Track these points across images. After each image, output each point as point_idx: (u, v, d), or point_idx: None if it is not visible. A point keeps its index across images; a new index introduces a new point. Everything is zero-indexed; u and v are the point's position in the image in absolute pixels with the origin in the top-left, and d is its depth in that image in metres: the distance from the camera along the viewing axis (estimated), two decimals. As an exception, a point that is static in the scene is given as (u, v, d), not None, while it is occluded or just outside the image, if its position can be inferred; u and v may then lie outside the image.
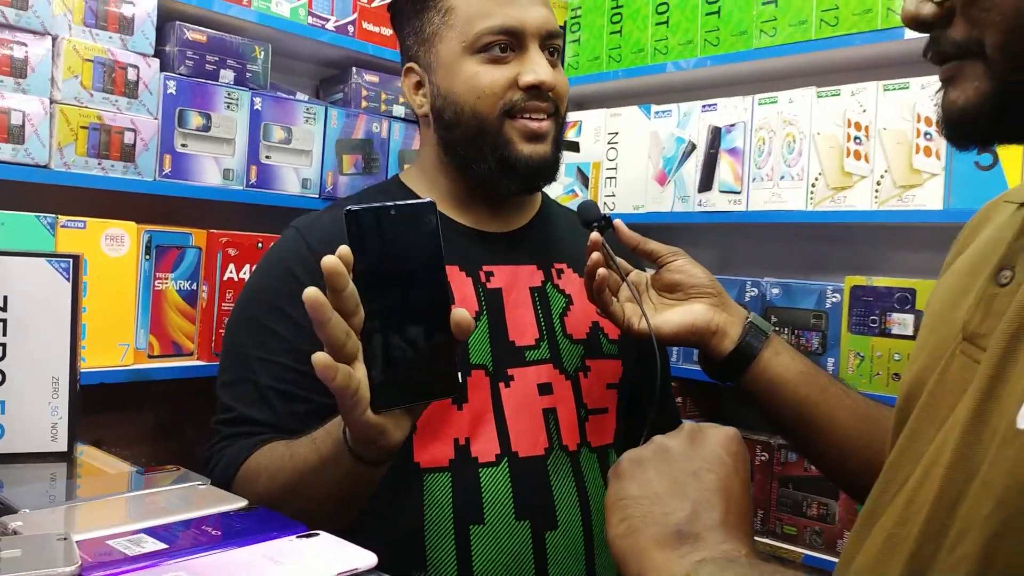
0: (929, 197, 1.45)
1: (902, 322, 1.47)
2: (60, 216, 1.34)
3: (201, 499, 0.85)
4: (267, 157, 1.59)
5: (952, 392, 0.60)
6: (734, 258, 1.85)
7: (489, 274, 1.08)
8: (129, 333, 1.45)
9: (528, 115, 1.04)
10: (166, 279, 1.49)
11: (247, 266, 1.56)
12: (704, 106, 1.75)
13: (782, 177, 1.63)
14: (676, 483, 0.62)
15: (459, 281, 1.06)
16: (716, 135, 1.72)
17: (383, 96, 1.80)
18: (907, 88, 1.48)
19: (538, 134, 1.05)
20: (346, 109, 1.72)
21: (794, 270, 1.77)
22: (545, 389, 1.08)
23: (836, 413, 0.90)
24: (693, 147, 1.76)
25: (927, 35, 0.64)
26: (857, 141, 1.54)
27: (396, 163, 1.80)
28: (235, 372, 1.06)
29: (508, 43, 1.04)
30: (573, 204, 1.15)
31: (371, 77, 1.78)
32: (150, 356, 1.48)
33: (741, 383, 0.94)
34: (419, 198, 1.10)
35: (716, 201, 1.71)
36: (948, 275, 0.74)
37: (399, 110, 1.82)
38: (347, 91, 1.76)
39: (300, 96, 1.71)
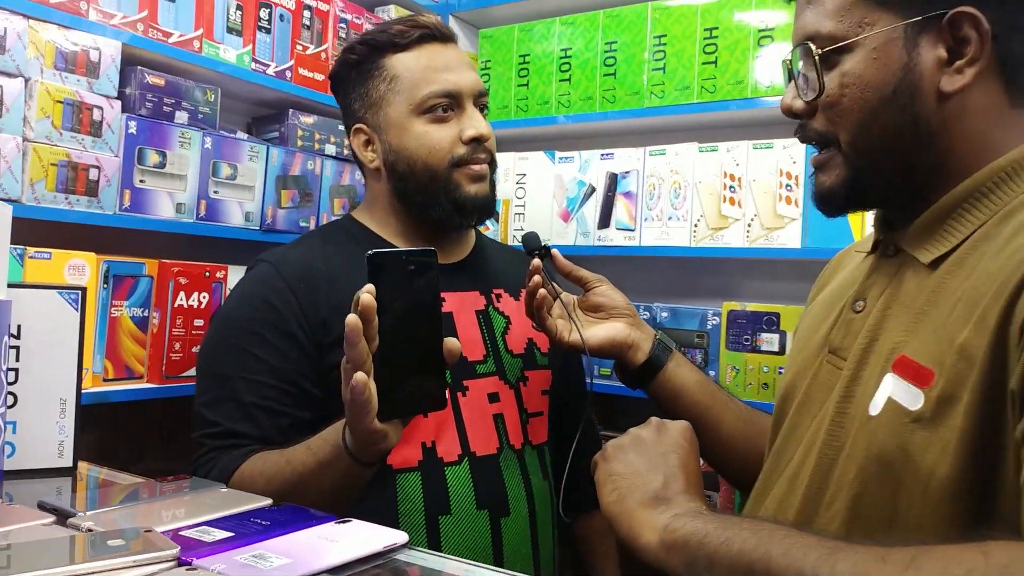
0: (789, 238, 1.77)
1: (769, 341, 1.78)
2: (28, 247, 1.41)
3: (232, 499, 0.98)
4: (215, 192, 1.71)
5: (821, 391, 0.87)
6: (629, 286, 2.09)
7: (441, 300, 1.28)
8: (88, 358, 1.53)
9: (472, 164, 1.25)
10: (121, 306, 1.58)
11: (195, 294, 1.67)
12: (602, 154, 2.01)
13: (670, 218, 1.92)
14: (650, 462, 0.84)
15: None
16: (613, 180, 1.99)
17: (316, 136, 1.95)
18: (772, 147, 1.81)
19: (480, 176, 1.25)
20: (284, 147, 1.86)
21: (680, 296, 2.06)
22: (494, 397, 1.28)
23: (724, 415, 1.13)
24: (593, 190, 2.02)
25: (785, 70, 0.89)
26: (732, 190, 1.85)
27: (327, 197, 1.95)
28: (217, 391, 1.18)
29: (449, 104, 1.24)
30: (488, 235, 1.37)
31: (306, 118, 1.93)
32: (105, 380, 1.57)
33: (650, 389, 1.17)
34: (381, 238, 1.28)
35: (613, 237, 1.98)
36: (812, 307, 1.02)
37: (331, 149, 1.98)
38: (283, 130, 1.90)
39: (241, 135, 1.84)
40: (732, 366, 1.81)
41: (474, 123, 1.24)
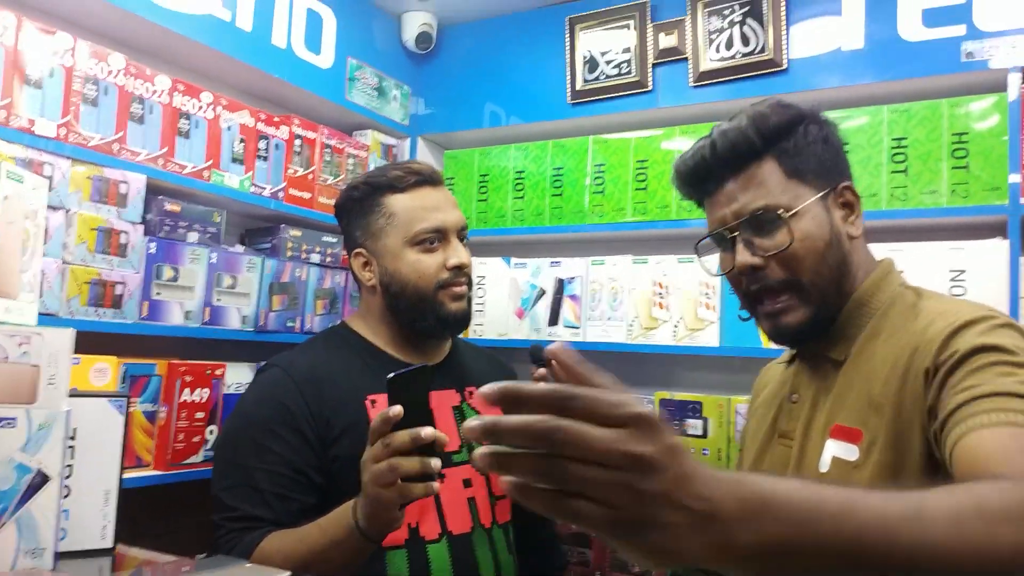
0: (709, 337, 2.10)
1: (694, 426, 2.09)
2: (63, 354, 1.65)
3: (258, 571, 1.21)
4: (218, 300, 1.97)
5: (778, 466, 1.14)
6: (575, 376, 2.43)
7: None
8: (107, 447, 1.75)
9: (454, 286, 1.51)
10: (135, 403, 1.81)
11: (198, 390, 1.91)
12: (551, 262, 2.33)
13: (609, 318, 2.23)
14: None
15: None
16: (561, 284, 2.31)
17: (303, 246, 2.23)
18: (693, 261, 2.14)
19: (460, 296, 1.51)
20: (276, 258, 2.13)
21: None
22: (467, 483, 1.51)
23: None
24: (543, 292, 2.33)
25: (718, 238, 1.10)
26: (660, 296, 2.18)
27: (311, 299, 2.23)
28: (236, 479, 1.38)
29: (437, 237, 1.52)
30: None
31: (295, 231, 2.21)
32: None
33: None
34: (374, 346, 1.54)
35: (561, 333, 2.28)
36: (755, 410, 1.29)
37: (315, 257, 2.26)
38: (275, 242, 2.18)
39: (237, 247, 2.11)
40: (664, 447, 2.10)
41: (457, 254, 1.50)
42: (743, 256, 1.06)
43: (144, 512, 2.03)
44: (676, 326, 2.15)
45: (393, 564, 1.39)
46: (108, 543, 1.24)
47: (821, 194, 1.06)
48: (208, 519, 1.45)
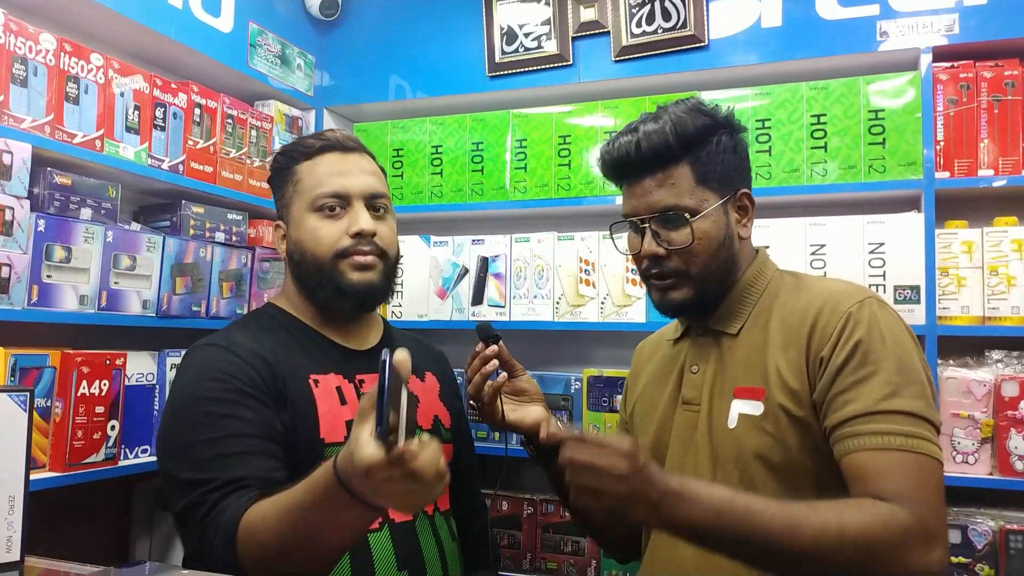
0: (636, 313, 2.09)
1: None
2: (-60, 346, 1.45)
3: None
4: (116, 283, 1.79)
5: (687, 430, 1.27)
6: (499, 356, 2.38)
7: (362, 381, 1.41)
8: (-6, 450, 1.55)
9: (355, 255, 1.39)
10: (25, 397, 1.62)
11: (97, 382, 1.73)
12: (473, 240, 2.26)
13: (535, 296, 2.19)
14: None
15: (344, 386, 1.37)
16: (484, 263, 2.24)
17: (207, 224, 2.06)
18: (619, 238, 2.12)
19: (364, 266, 1.39)
20: (178, 237, 1.96)
21: (546, 365, 2.32)
22: None
23: None
24: (466, 271, 2.26)
25: (631, 223, 1.26)
26: (587, 273, 2.15)
27: (216, 281, 2.06)
28: (203, 455, 1.19)
29: (338, 203, 1.41)
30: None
31: (197, 208, 2.04)
32: (8, 470, 1.59)
33: (553, 464, 1.39)
34: (302, 322, 1.41)
35: (486, 312, 2.22)
36: (642, 386, 1.40)
37: (220, 236, 2.10)
38: (175, 220, 2.00)
39: (135, 226, 1.92)
40: (593, 424, 2.09)
41: (358, 219, 1.39)
42: (649, 245, 1.23)
43: (39, 518, 1.84)
44: (603, 303, 2.13)
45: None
46: (15, 555, 1.12)
47: (723, 200, 1.23)
48: (114, 523, 1.29)
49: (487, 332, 1.42)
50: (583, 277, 2.15)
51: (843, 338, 1.13)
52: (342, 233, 1.39)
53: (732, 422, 1.19)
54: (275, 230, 1.48)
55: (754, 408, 1.18)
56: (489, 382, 1.40)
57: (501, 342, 1.42)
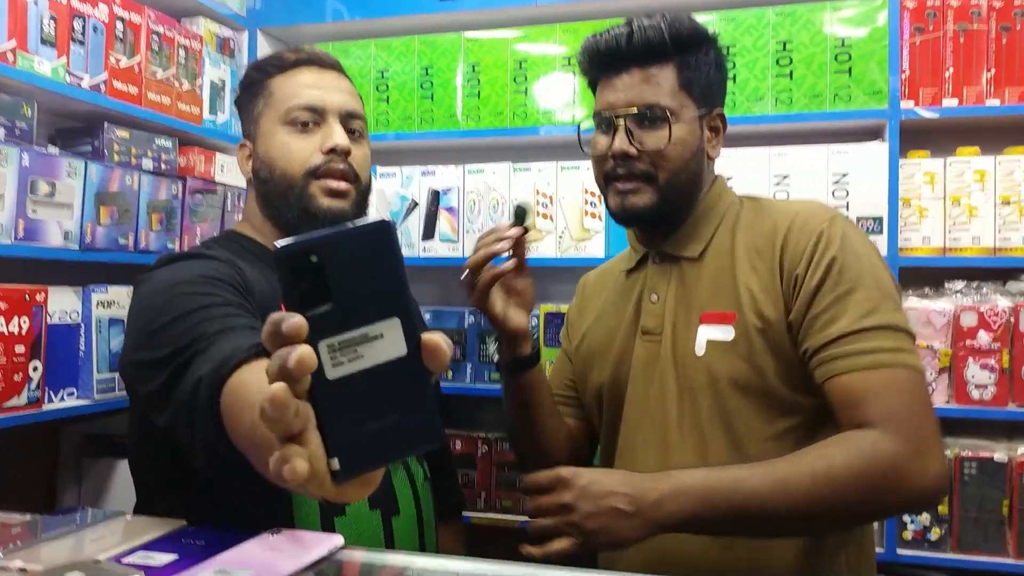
0: (595, 247, 2.02)
1: (583, 339, 2.02)
2: None
3: (147, 525, 0.99)
4: (33, 211, 1.62)
5: (648, 361, 1.22)
6: (453, 294, 2.28)
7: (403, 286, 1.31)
8: (-100, 395, 1.39)
9: (329, 176, 1.28)
10: (-67, 337, 1.46)
11: (15, 318, 1.57)
12: (423, 171, 2.14)
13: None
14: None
15: None
16: (436, 196, 2.13)
17: (133, 151, 1.89)
18: (578, 168, 2.04)
19: (337, 192, 1.28)
20: (102, 163, 1.79)
21: (501, 302, 2.24)
22: None
23: (553, 408, 1.37)
24: (415, 204, 2.14)
25: (603, 120, 1.19)
26: (544, 206, 2.06)
27: (146, 213, 1.90)
28: (183, 326, 0.97)
29: (312, 118, 1.30)
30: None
31: (122, 132, 1.86)
32: (-83, 417, 1.44)
33: (520, 376, 1.32)
34: (267, 249, 1.30)
35: (438, 248, 2.12)
36: (594, 318, 1.34)
37: (148, 164, 1.93)
38: (97, 144, 1.82)
39: (53, 150, 1.74)
40: (550, 361, 2.02)
41: (333, 134, 1.28)
42: (621, 143, 1.16)
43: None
44: (561, 237, 2.05)
45: (301, 497, 1.21)
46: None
47: (700, 112, 1.19)
48: (38, 471, 1.15)
49: (522, 215, 1.27)
50: (540, 210, 2.06)
51: (816, 256, 1.09)
52: (315, 149, 1.27)
53: (700, 349, 1.15)
54: (240, 149, 1.35)
55: (724, 333, 1.14)
56: (492, 266, 1.26)
57: (529, 234, 1.28)
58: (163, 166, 1.97)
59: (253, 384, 0.74)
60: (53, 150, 1.75)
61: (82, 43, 1.76)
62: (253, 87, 1.33)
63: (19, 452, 1.79)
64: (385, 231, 0.53)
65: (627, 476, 1.04)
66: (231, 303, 1.04)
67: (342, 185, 1.28)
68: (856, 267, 1.08)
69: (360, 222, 0.52)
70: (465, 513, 2.08)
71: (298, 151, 1.27)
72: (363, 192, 1.34)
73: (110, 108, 1.83)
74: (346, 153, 1.28)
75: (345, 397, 0.52)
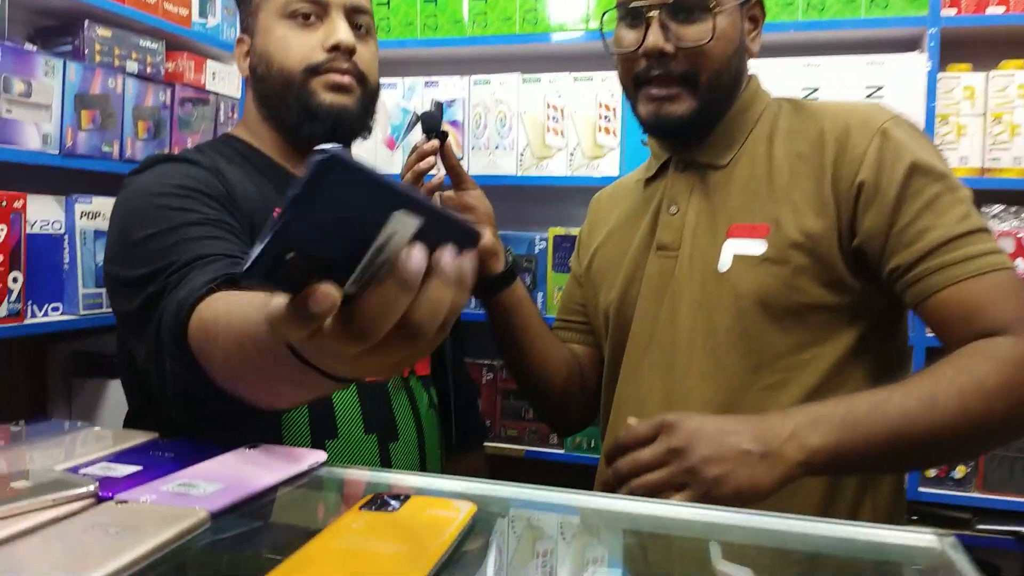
0: (609, 166, 1.90)
1: (593, 261, 1.92)
2: None
3: (119, 437, 0.92)
4: (8, 111, 1.51)
5: (661, 279, 1.09)
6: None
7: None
8: None
9: (330, 72, 1.17)
10: (-100, 241, 1.37)
11: (-9, 226, 1.48)
12: (426, 82, 2.02)
13: (496, 147, 1.97)
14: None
15: None
16: (439, 108, 2.00)
17: (116, 51, 1.77)
18: (592, 80, 1.91)
19: (340, 86, 1.16)
20: (83, 63, 1.67)
21: (508, 223, 2.12)
22: None
23: (543, 329, 1.23)
24: (418, 118, 2.02)
25: (632, 12, 1.03)
26: (555, 120, 1.94)
27: (131, 119, 1.79)
28: (158, 246, 0.95)
29: (313, 11, 1.18)
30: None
31: (103, 31, 1.74)
32: None
33: (500, 296, 1.21)
34: (265, 155, 1.18)
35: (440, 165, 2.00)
36: (608, 234, 1.21)
37: (132, 66, 1.81)
38: (77, 43, 1.71)
39: (29, 47, 1.62)
40: (558, 287, 1.93)
41: (336, 31, 1.17)
42: (656, 38, 1.01)
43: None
44: (572, 154, 1.93)
45: (289, 414, 1.13)
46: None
47: (739, 2, 1.04)
48: (25, 389, 1.08)
49: (432, 122, 1.19)
50: (551, 125, 1.94)
51: (888, 160, 0.96)
52: (316, 45, 1.16)
53: (724, 265, 1.02)
54: (238, 45, 1.24)
55: (755, 247, 1.01)
56: (425, 183, 1.20)
57: (450, 139, 1.20)
58: (149, 70, 1.85)
59: (220, 314, 0.71)
60: (30, 47, 1.63)
61: (57, -70, 1.63)
62: None
63: (4, 369, 1.71)
64: (331, 164, 0.42)
65: (742, 416, 0.89)
66: (208, 220, 0.99)
67: (345, 79, 1.17)
68: (937, 169, 0.96)
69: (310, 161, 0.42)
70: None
71: (298, 47, 1.16)
72: (370, 94, 1.23)
73: (90, 4, 1.70)
74: (351, 51, 1.17)
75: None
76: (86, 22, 1.70)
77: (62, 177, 1.71)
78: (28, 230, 1.56)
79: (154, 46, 1.86)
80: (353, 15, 1.21)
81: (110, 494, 0.67)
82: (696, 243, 1.06)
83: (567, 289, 1.32)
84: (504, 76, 1.97)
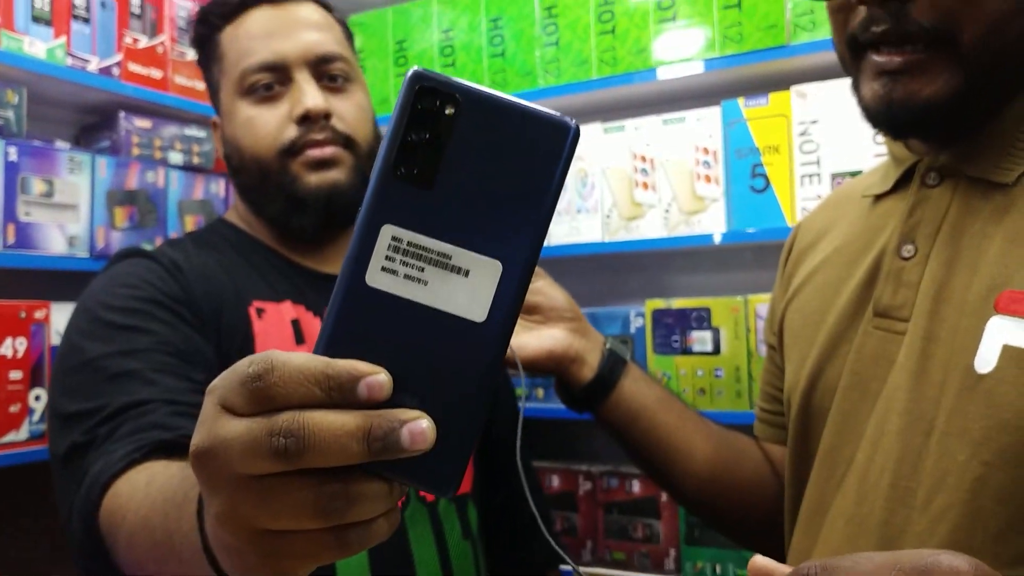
0: (713, 221, 1.57)
1: (702, 340, 1.57)
2: None
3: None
4: (27, 214, 1.40)
5: (878, 365, 0.67)
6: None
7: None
8: None
9: (307, 147, 0.98)
10: (-97, 363, 1.25)
11: (10, 339, 1.35)
12: (497, 145, 1.78)
13: (578, 210, 1.69)
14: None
15: (304, 318, 0.99)
16: (512, 172, 1.75)
17: (156, 142, 1.65)
18: (684, 121, 1.60)
19: (322, 161, 0.98)
20: (116, 157, 1.56)
21: (597, 299, 1.83)
22: None
23: (695, 439, 0.88)
24: (490, 185, 1.78)
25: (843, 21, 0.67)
26: (644, 173, 1.64)
27: (176, 214, 1.66)
28: (94, 378, 0.85)
29: (274, 79, 0.99)
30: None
31: (142, 122, 1.63)
32: None
33: (600, 412, 0.89)
34: (258, 240, 1.04)
35: (517, 236, 1.74)
36: (804, 282, 0.79)
37: (176, 157, 1.68)
38: (115, 138, 1.60)
39: (62, 144, 1.52)
40: (662, 372, 1.59)
41: (303, 98, 0.97)
42: None
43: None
44: (667, 210, 1.61)
45: None
46: None
47: None
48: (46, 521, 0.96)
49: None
50: (639, 179, 1.64)
51: None
52: (284, 120, 0.98)
53: (986, 364, 0.61)
54: (213, 130, 1.09)
55: None
56: None
57: None
58: (196, 159, 1.72)
59: (135, 496, 0.66)
60: (63, 144, 1.53)
61: (87, 21, 1.54)
62: (205, 47, 1.04)
63: (16, 497, 1.55)
64: (567, 134, 0.37)
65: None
66: (154, 347, 0.88)
67: (327, 151, 0.98)
68: None
69: (545, 110, 0.37)
70: (564, 567, 1.68)
71: (264, 126, 0.98)
72: (362, 154, 1.02)
73: (126, 95, 1.59)
74: (326, 115, 0.98)
75: (369, 319, 0.37)
76: (121, 114, 1.59)
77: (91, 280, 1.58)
78: (52, 342, 1.42)
79: (201, 135, 1.74)
80: (321, 67, 1.00)
81: None
82: (935, 317, 0.66)
83: (764, 369, 0.93)
84: (583, 128, 1.69)
